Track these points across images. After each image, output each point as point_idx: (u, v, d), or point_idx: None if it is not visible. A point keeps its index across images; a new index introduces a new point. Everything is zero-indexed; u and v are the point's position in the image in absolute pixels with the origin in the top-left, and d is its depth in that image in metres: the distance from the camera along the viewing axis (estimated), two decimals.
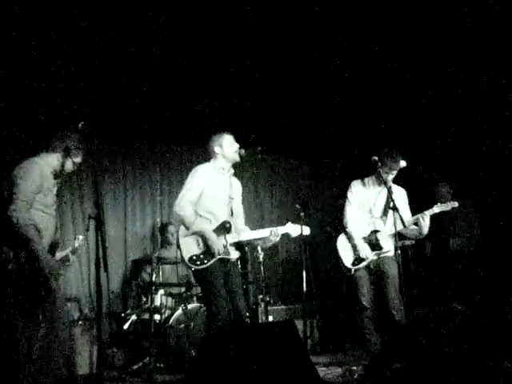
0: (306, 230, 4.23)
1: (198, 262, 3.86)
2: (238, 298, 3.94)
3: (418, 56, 5.31)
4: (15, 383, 3.22)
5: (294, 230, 4.14)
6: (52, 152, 3.58)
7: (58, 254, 3.74)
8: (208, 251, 3.89)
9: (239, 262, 4.19)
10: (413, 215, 4.59)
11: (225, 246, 3.93)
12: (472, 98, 5.85)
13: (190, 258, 3.87)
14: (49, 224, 3.50)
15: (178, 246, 3.95)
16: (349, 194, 4.82)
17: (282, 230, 4.08)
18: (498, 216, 6.06)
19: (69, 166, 3.63)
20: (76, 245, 3.95)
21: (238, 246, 4.10)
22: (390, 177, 4.61)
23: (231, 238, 3.98)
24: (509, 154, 6.02)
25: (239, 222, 4.18)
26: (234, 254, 4.03)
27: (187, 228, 3.92)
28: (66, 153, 3.59)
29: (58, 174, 3.60)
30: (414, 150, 6.00)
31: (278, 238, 4.04)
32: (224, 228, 3.98)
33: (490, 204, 6.12)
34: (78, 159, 3.67)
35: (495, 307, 4.91)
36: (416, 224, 4.54)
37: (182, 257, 3.94)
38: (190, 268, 3.94)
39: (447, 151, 6.51)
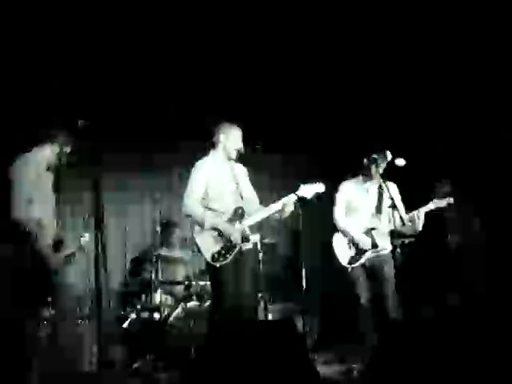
0: (321, 187, 4.13)
1: (221, 259, 3.85)
2: (241, 294, 3.94)
3: (417, 53, 5.31)
4: (22, 380, 3.23)
5: (308, 191, 4.07)
6: (44, 144, 3.58)
7: (64, 253, 3.73)
8: (226, 244, 3.88)
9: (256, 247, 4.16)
10: (410, 211, 4.58)
11: (244, 232, 3.92)
12: (472, 96, 5.85)
13: (213, 257, 3.87)
14: (50, 219, 3.51)
15: (196, 246, 3.94)
16: (337, 195, 4.82)
17: (294, 197, 4.03)
18: (497, 213, 6.05)
19: (60, 154, 3.63)
20: (82, 243, 3.94)
21: (257, 227, 4.13)
22: (380, 172, 4.62)
23: (247, 221, 3.97)
24: (509, 152, 6.01)
25: (253, 203, 4.16)
26: (254, 238, 4.06)
27: (201, 226, 3.92)
28: (58, 143, 3.59)
29: (52, 166, 3.60)
30: (413, 147, 6.00)
31: (292, 207, 4.01)
32: (237, 214, 3.98)
33: (490, 201, 6.11)
34: (68, 147, 3.67)
35: (494, 305, 4.91)
36: (411, 221, 4.54)
37: (204, 257, 3.91)
38: (213, 266, 3.88)
39: (447, 148, 6.50)
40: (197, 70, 5.35)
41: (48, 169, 3.57)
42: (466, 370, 3.07)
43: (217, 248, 3.88)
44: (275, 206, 4.02)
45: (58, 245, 3.55)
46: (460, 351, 3.20)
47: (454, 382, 3.01)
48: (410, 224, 4.55)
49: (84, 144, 3.57)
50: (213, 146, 4.16)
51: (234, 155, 4.11)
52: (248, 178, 4.29)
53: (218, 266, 3.85)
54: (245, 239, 3.93)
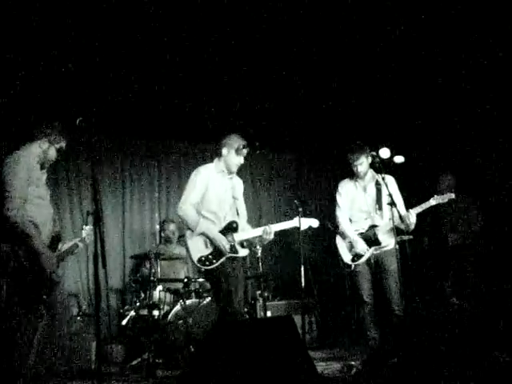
0: (315, 223, 4.28)
1: (207, 263, 3.93)
2: (236, 294, 3.96)
3: (415, 48, 5.29)
4: (16, 376, 3.22)
5: (303, 223, 4.19)
6: (33, 141, 3.55)
7: (65, 246, 3.71)
8: (216, 251, 3.96)
9: (246, 259, 4.25)
10: (413, 207, 4.52)
11: (233, 245, 4.00)
12: (473, 92, 5.84)
13: (199, 259, 3.94)
14: (46, 216, 3.48)
15: (187, 248, 4.02)
16: (337, 196, 4.82)
17: (284, 225, 4.14)
18: (498, 211, 6.04)
19: (52, 152, 3.59)
20: (83, 235, 3.91)
21: (244, 244, 4.15)
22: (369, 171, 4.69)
23: (238, 236, 4.05)
24: (510, 149, 6.00)
25: (241, 221, 4.20)
26: (243, 252, 4.09)
27: (192, 230, 3.99)
28: (48, 139, 3.56)
29: (44, 163, 3.57)
30: (415, 144, 6.01)
31: (272, 237, 4.06)
32: (231, 228, 4.05)
33: (491, 199, 6.10)
34: (60, 145, 3.64)
35: (493, 302, 4.92)
36: (402, 220, 4.46)
37: (191, 258, 4.00)
38: (199, 269, 4.02)
39: (448, 146, 6.49)
40: (197, 70, 5.33)
41: (41, 166, 3.54)
42: (463, 366, 3.08)
43: (206, 252, 3.96)
44: (257, 232, 4.09)
45: (54, 243, 3.53)
46: (458, 347, 3.20)
47: (453, 380, 3.02)
48: (407, 221, 4.45)
49: (83, 142, 3.55)
50: (217, 155, 4.19)
51: (234, 169, 4.16)
52: (243, 194, 4.34)
53: (203, 269, 3.95)
54: (233, 251, 4.00)
